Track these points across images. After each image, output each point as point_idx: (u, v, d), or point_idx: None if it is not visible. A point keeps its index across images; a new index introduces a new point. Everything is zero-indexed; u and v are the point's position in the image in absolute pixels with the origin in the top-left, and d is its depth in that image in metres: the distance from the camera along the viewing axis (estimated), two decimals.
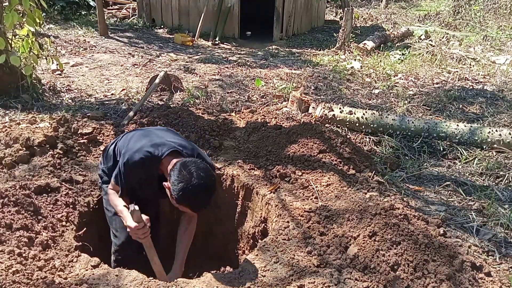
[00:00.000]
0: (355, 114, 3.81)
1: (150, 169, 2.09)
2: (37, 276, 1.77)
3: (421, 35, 8.42)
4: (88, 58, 6.21)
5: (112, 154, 2.36)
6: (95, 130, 3.19)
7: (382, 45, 7.66)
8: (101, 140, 3.14)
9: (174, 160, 2.01)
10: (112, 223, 2.34)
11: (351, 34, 7.60)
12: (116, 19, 9.58)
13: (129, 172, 2.09)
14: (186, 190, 1.85)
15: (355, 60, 6.65)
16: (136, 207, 1.92)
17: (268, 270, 1.91)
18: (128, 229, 2.00)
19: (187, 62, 6.36)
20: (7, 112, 3.82)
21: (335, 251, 2.01)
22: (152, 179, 2.14)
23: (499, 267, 2.20)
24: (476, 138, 3.54)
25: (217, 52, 7.34)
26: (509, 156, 3.41)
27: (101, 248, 2.43)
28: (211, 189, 1.94)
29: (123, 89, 4.78)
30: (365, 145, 3.61)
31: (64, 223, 2.25)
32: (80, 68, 5.67)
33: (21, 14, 3.76)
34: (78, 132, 3.11)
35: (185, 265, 2.98)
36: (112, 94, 4.67)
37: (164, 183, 2.00)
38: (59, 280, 1.80)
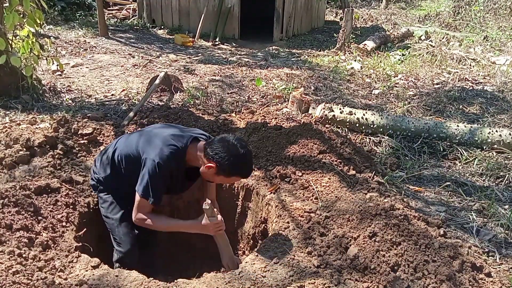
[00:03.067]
0: (355, 114, 3.81)
1: (180, 162, 2.10)
2: (37, 276, 1.77)
3: (421, 35, 8.43)
4: (88, 58, 6.22)
5: (111, 161, 2.26)
6: (95, 131, 3.19)
7: (382, 45, 7.67)
8: (101, 141, 3.14)
9: (200, 144, 2.11)
10: (115, 231, 2.29)
11: (351, 35, 7.60)
12: (116, 19, 9.59)
13: (164, 173, 2.04)
14: (238, 161, 2.01)
15: (355, 60, 6.66)
16: (209, 202, 2.00)
17: (268, 270, 1.91)
18: (205, 228, 2.09)
19: (187, 62, 6.37)
20: (8, 112, 3.83)
21: (335, 252, 2.01)
22: (180, 172, 2.16)
23: (499, 267, 2.20)
24: (476, 139, 3.54)
25: (217, 53, 7.34)
26: (509, 156, 3.41)
27: (101, 249, 2.43)
28: (252, 154, 2.18)
29: (123, 90, 4.79)
30: (365, 146, 3.61)
31: (64, 223, 2.25)
32: (80, 68, 5.68)
33: (21, 15, 3.76)
34: (78, 133, 3.11)
35: (185, 265, 2.99)
36: (112, 94, 4.67)
37: (208, 164, 2.03)
38: (59, 281, 1.80)
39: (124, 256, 2.28)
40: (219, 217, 2.07)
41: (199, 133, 2.25)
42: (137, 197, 2.08)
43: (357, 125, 3.79)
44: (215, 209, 2.08)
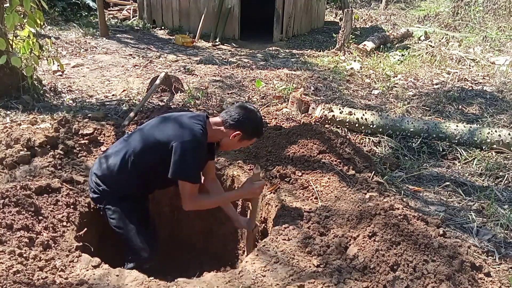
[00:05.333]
0: (354, 114, 3.82)
1: (206, 140, 2.19)
2: (37, 276, 1.77)
3: (421, 36, 8.44)
4: (89, 59, 6.23)
5: (119, 166, 2.20)
6: (95, 131, 3.20)
7: (381, 46, 7.68)
8: (101, 141, 3.14)
9: (213, 119, 2.24)
10: (132, 239, 2.24)
11: (350, 35, 7.61)
12: (116, 20, 9.60)
13: (202, 150, 2.14)
14: (258, 124, 2.23)
15: (354, 61, 6.66)
16: (259, 167, 2.17)
17: (268, 270, 1.92)
18: (253, 192, 2.26)
19: (187, 63, 6.38)
20: (8, 113, 3.83)
21: (335, 252, 2.01)
22: (204, 150, 2.23)
23: (499, 267, 2.20)
24: (476, 139, 3.55)
25: (217, 53, 7.35)
26: (508, 156, 3.42)
27: (102, 248, 2.43)
28: None
29: (124, 90, 4.79)
30: (364, 146, 3.62)
31: (64, 223, 2.25)
32: (81, 69, 5.69)
33: (22, 15, 3.77)
34: (79, 133, 3.11)
35: (185, 265, 2.99)
36: (113, 95, 4.68)
37: (234, 133, 2.17)
38: (60, 280, 1.80)
39: (145, 262, 2.25)
40: (264, 181, 2.25)
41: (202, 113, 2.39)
42: (183, 184, 2.11)
43: (357, 125, 3.79)
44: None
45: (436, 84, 5.61)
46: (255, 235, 2.57)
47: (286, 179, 2.71)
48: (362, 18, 11.46)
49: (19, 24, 3.80)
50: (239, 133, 2.17)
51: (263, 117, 3.78)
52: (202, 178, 2.47)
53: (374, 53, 7.17)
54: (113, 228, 2.29)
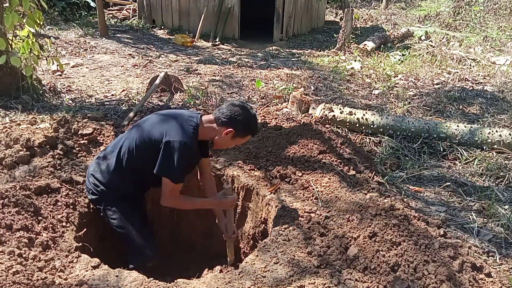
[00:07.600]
0: (355, 114, 3.81)
1: (197, 139, 2.21)
2: (37, 276, 1.77)
3: (421, 35, 8.43)
4: (89, 59, 6.22)
5: (115, 165, 2.24)
6: (95, 131, 3.19)
7: (382, 45, 7.67)
8: (101, 141, 3.14)
9: (206, 117, 2.25)
10: (134, 239, 2.25)
11: (351, 35, 7.60)
12: (116, 20, 9.59)
13: (190, 153, 2.12)
14: (251, 121, 2.22)
15: (355, 60, 6.66)
16: (229, 181, 2.26)
17: (268, 270, 1.91)
18: (224, 204, 2.35)
19: (187, 63, 6.37)
20: (8, 112, 3.83)
21: (335, 252, 2.00)
22: (196, 149, 2.25)
23: (500, 267, 2.20)
24: (476, 139, 3.54)
25: (217, 53, 7.35)
26: (509, 156, 3.41)
27: (101, 249, 2.43)
28: None
29: (124, 90, 4.79)
30: (365, 146, 3.61)
31: (64, 223, 2.25)
32: (81, 69, 5.68)
33: (21, 15, 3.76)
34: (79, 133, 3.10)
35: (185, 265, 2.99)
36: (112, 95, 4.67)
37: (226, 130, 2.17)
38: (59, 281, 1.80)
39: (149, 260, 2.27)
40: (235, 194, 2.31)
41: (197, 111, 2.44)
42: (165, 181, 2.12)
43: (357, 125, 3.78)
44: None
45: (437, 84, 5.60)
46: (234, 240, 2.68)
47: (286, 179, 2.70)
48: (362, 17, 11.45)
49: (18, 24, 3.80)
50: (232, 130, 2.17)
51: (262, 117, 3.80)
52: (199, 174, 2.59)
53: (375, 53, 7.16)
54: (114, 228, 2.30)
